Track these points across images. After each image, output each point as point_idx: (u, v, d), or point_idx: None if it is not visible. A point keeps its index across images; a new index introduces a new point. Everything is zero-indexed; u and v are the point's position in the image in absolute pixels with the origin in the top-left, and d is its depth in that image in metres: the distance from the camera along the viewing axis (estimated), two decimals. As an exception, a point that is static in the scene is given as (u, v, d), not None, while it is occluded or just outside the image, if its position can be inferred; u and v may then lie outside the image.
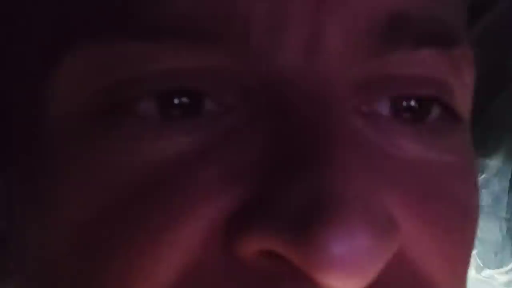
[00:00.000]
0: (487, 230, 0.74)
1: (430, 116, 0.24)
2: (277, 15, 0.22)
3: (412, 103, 0.24)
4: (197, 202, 0.21)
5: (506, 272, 0.77)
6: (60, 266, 0.23)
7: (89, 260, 0.22)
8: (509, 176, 0.72)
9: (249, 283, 0.21)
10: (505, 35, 0.47)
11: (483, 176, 0.71)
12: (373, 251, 0.20)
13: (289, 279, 0.20)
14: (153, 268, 0.21)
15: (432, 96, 0.24)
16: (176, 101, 0.22)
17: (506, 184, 0.73)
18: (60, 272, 0.23)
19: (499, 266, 0.77)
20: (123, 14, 0.22)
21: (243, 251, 0.21)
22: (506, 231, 0.75)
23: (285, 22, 0.22)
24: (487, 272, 0.78)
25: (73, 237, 0.22)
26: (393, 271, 0.21)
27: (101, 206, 0.22)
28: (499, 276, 0.78)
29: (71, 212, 0.22)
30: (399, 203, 0.22)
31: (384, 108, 0.23)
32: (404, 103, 0.24)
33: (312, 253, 0.20)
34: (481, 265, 0.77)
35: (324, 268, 0.20)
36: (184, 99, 0.22)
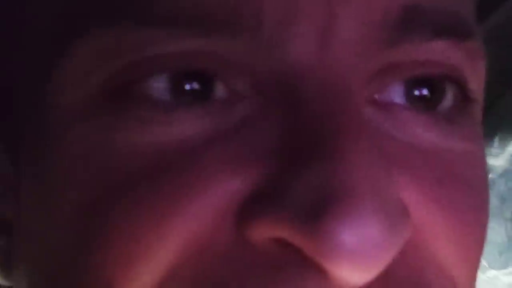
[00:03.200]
0: (492, 230, 0.74)
1: (442, 104, 0.24)
2: (290, 6, 0.22)
3: (425, 91, 0.24)
4: (208, 182, 0.21)
5: (511, 273, 0.77)
6: (68, 248, 0.23)
7: (95, 240, 0.22)
8: (515, 177, 0.72)
9: (257, 267, 0.21)
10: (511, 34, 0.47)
11: (489, 176, 0.71)
12: (384, 242, 0.20)
13: (298, 267, 0.21)
14: (160, 246, 0.21)
15: (445, 75, 0.24)
16: (187, 87, 0.22)
17: (512, 185, 0.73)
18: (64, 256, 0.23)
19: (504, 266, 0.77)
20: (136, 3, 0.22)
21: (253, 237, 0.21)
22: (512, 232, 0.75)
23: (298, 13, 0.22)
24: (491, 272, 0.78)
25: (80, 219, 0.22)
26: (406, 257, 0.21)
27: (109, 187, 0.22)
28: (503, 276, 0.78)
29: (79, 195, 0.22)
30: (413, 189, 0.22)
31: (397, 96, 0.24)
32: (417, 92, 0.24)
33: (322, 242, 0.20)
34: (486, 265, 0.77)
35: (334, 257, 0.20)
36: (195, 85, 0.22)
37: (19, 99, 0.25)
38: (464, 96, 0.25)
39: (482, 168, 0.26)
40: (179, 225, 0.21)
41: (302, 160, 0.21)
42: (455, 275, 0.23)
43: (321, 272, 0.20)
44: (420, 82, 0.24)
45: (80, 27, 0.23)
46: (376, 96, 0.23)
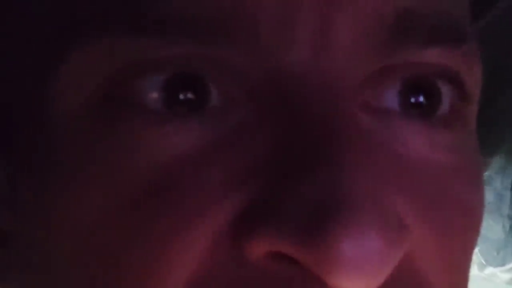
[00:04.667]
0: (490, 228, 0.74)
1: (439, 111, 0.24)
2: (286, 11, 0.21)
3: (421, 98, 0.24)
4: (203, 206, 0.21)
5: (508, 270, 0.77)
6: (64, 268, 0.23)
7: (93, 264, 0.22)
8: (512, 174, 0.72)
9: (259, 285, 0.21)
10: (508, 34, 0.47)
11: (486, 173, 0.71)
12: (385, 253, 0.20)
13: (299, 281, 0.20)
14: (161, 275, 0.21)
15: (441, 75, 0.24)
16: (181, 96, 0.22)
17: (509, 181, 0.73)
18: (63, 273, 0.23)
19: (502, 264, 0.77)
20: (130, 9, 0.22)
21: (252, 253, 0.20)
22: (509, 229, 0.75)
23: (294, 18, 0.21)
24: (489, 269, 0.78)
25: (76, 238, 0.22)
26: (398, 274, 0.21)
27: (105, 207, 0.21)
28: (501, 274, 0.78)
29: (74, 212, 0.22)
30: (407, 205, 0.22)
31: (392, 103, 0.23)
32: (413, 99, 0.24)
33: (324, 254, 0.19)
34: (484, 263, 0.77)
35: (336, 269, 0.19)
36: (190, 94, 0.22)
37: (14, 109, 0.25)
38: (461, 97, 0.25)
39: (477, 183, 0.25)
40: (179, 254, 0.20)
41: (297, 171, 0.21)
42: None
43: (321, 285, 0.20)
44: (416, 88, 0.24)
45: (74, 34, 0.22)
46: (371, 101, 0.23)
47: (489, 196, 0.74)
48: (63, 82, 0.23)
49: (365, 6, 0.22)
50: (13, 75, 0.25)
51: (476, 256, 0.76)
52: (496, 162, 0.70)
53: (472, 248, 0.25)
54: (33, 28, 0.24)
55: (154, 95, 0.22)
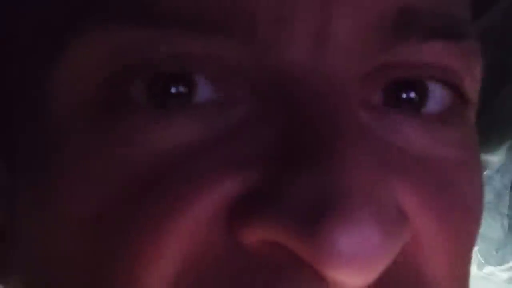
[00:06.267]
0: (489, 226, 0.74)
1: (427, 107, 0.24)
2: (285, 8, 0.22)
3: (412, 94, 0.24)
4: (199, 189, 0.21)
5: (508, 269, 0.77)
6: (64, 260, 0.23)
7: (94, 254, 0.22)
8: None
9: (252, 270, 0.21)
10: (508, 32, 0.47)
11: (485, 172, 0.71)
12: (382, 247, 0.20)
13: (293, 269, 0.20)
14: (158, 257, 0.21)
15: (440, 78, 0.24)
16: (176, 90, 0.22)
17: (508, 180, 0.73)
18: (63, 265, 0.23)
19: (501, 263, 0.77)
20: (130, 5, 0.22)
21: (246, 239, 0.21)
22: (508, 228, 0.75)
23: (293, 15, 0.22)
24: (488, 268, 0.78)
25: (76, 231, 0.22)
26: (398, 265, 0.21)
27: (104, 199, 0.22)
28: (500, 273, 0.78)
29: (74, 205, 0.22)
30: (409, 197, 0.22)
31: (388, 99, 0.23)
32: (404, 95, 0.24)
33: (320, 247, 0.19)
34: (483, 261, 0.77)
35: (332, 262, 0.19)
36: (182, 89, 0.22)
37: (15, 108, 0.25)
38: (460, 97, 0.25)
39: (476, 175, 0.25)
40: (174, 239, 0.21)
41: (298, 164, 0.21)
42: (445, 284, 0.23)
43: (317, 275, 0.20)
44: (406, 84, 0.24)
45: (72, 34, 0.22)
46: (370, 98, 0.23)
47: (488, 195, 0.74)
48: (61, 79, 0.23)
49: (365, 4, 0.22)
50: (13, 74, 0.25)
51: (475, 255, 0.76)
52: (496, 160, 0.70)
53: (473, 242, 0.25)
54: (32, 27, 0.24)
55: (151, 92, 0.22)
